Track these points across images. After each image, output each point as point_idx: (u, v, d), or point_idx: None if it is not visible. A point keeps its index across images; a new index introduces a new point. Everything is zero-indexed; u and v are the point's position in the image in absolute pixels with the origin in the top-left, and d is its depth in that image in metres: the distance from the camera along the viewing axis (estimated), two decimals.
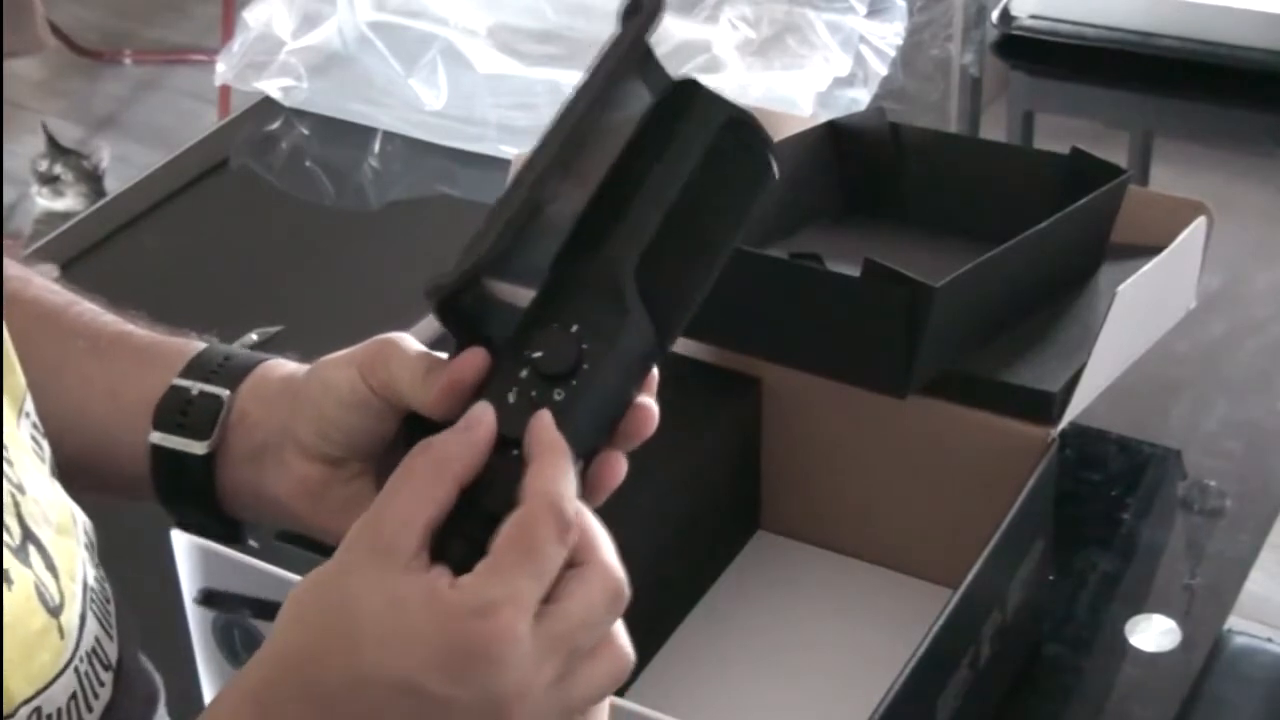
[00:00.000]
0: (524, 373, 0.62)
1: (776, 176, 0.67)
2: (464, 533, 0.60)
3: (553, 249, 0.64)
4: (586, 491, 0.64)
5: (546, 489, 0.60)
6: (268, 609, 0.87)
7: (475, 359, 0.64)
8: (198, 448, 0.74)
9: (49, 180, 2.79)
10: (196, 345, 0.77)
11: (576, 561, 0.60)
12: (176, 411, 0.74)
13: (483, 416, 0.62)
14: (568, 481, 0.60)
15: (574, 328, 0.62)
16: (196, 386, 0.75)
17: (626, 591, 0.61)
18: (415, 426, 0.67)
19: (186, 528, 0.79)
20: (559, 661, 0.59)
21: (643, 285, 0.63)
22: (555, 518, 0.59)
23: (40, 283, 0.81)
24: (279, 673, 0.60)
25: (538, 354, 0.62)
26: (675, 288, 0.65)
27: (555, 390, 0.62)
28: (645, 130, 0.65)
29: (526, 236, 0.63)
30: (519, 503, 0.60)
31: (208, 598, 0.89)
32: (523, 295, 0.64)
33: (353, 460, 0.71)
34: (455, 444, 0.61)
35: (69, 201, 2.78)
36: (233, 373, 0.75)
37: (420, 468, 0.61)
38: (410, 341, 0.69)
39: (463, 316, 0.64)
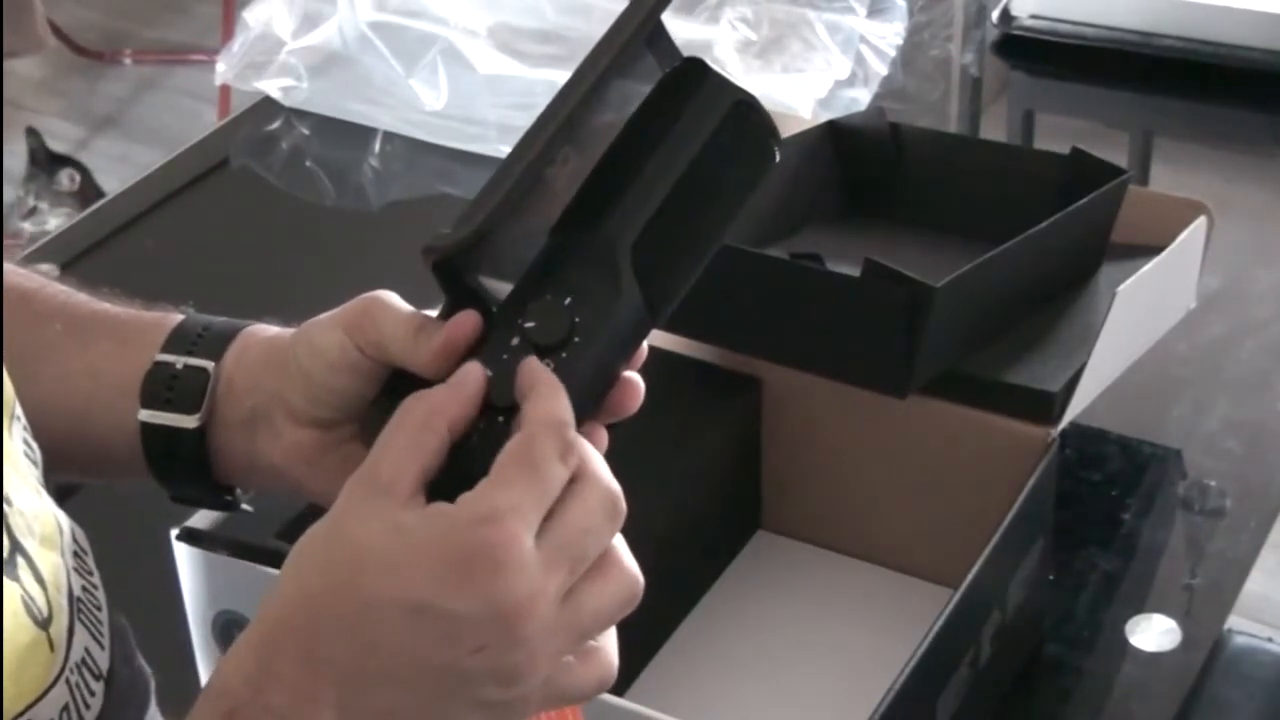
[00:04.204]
0: (515, 341, 0.63)
1: (778, 160, 0.67)
2: (451, 496, 0.60)
3: (551, 216, 0.64)
4: None
5: (548, 411, 0.60)
6: None
7: (470, 321, 0.64)
8: (188, 421, 0.73)
9: (29, 214, 2.79)
10: (174, 318, 0.76)
11: (570, 479, 0.60)
12: (163, 387, 0.74)
13: (472, 371, 0.62)
14: (567, 409, 0.61)
15: (567, 300, 0.63)
16: (180, 360, 0.74)
17: (623, 504, 0.61)
18: (400, 383, 0.67)
19: (181, 500, 0.78)
20: (564, 573, 0.59)
21: (638, 262, 0.64)
22: (558, 437, 0.60)
23: (9, 268, 0.80)
24: (285, 616, 0.60)
25: (530, 324, 0.63)
26: (670, 267, 0.65)
27: (545, 361, 0.62)
28: (651, 108, 0.66)
29: (527, 202, 0.63)
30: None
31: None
32: (519, 260, 0.64)
33: (344, 423, 0.71)
34: (445, 395, 0.62)
35: (55, 224, 2.76)
36: (214, 342, 0.74)
37: (412, 417, 0.61)
38: (396, 299, 0.69)
39: (457, 276, 0.64)
